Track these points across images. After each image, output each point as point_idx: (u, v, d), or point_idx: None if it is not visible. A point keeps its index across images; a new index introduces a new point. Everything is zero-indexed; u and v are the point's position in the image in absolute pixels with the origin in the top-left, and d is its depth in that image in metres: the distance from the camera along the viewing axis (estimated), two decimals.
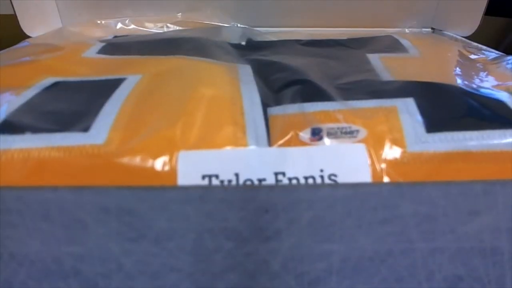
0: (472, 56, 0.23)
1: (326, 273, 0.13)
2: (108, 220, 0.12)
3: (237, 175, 0.13)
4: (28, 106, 0.15)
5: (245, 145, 0.13)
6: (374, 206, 0.12)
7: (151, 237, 0.13)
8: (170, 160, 0.13)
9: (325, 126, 0.14)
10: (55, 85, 0.17)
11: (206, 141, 0.13)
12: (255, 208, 0.12)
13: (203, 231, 0.12)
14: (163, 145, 0.13)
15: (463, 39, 0.28)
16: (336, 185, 0.12)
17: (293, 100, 0.16)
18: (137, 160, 0.13)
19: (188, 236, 0.13)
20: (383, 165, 0.13)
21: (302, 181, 0.12)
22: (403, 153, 0.13)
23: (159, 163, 0.13)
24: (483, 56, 0.23)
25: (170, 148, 0.13)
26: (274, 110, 0.15)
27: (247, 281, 0.13)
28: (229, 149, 0.13)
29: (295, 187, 0.12)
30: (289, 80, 0.17)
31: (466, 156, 0.13)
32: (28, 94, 0.16)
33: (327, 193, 0.12)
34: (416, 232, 0.13)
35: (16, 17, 0.26)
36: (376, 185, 0.12)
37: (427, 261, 0.13)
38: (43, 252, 0.13)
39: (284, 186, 0.12)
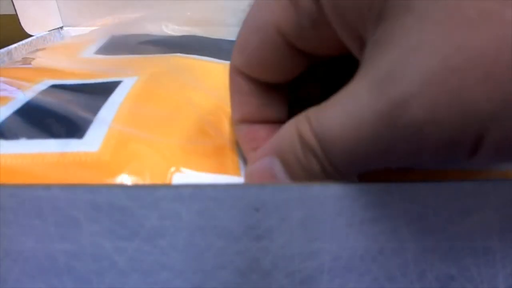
0: None
1: (318, 272, 0.13)
2: (100, 217, 0.12)
3: None
4: (24, 111, 0.15)
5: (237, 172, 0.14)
6: (364, 204, 0.12)
7: (143, 235, 0.13)
8: (164, 177, 0.13)
9: None
10: (51, 88, 0.18)
11: (200, 162, 0.13)
12: (245, 206, 0.12)
13: (194, 229, 0.13)
14: (157, 159, 0.13)
15: None
16: (326, 184, 0.12)
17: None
18: (130, 173, 0.13)
19: (180, 234, 0.13)
20: None
21: None
22: None
23: (152, 177, 0.13)
24: None
25: (165, 164, 0.13)
26: None
27: (238, 279, 0.13)
28: (223, 176, 0.14)
29: (285, 186, 0.12)
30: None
31: None
32: (25, 97, 0.16)
33: (318, 192, 0.12)
34: (407, 231, 0.13)
35: (17, 16, 0.26)
36: (366, 184, 0.12)
37: (419, 260, 0.13)
38: (37, 249, 0.13)
39: (274, 185, 0.12)
